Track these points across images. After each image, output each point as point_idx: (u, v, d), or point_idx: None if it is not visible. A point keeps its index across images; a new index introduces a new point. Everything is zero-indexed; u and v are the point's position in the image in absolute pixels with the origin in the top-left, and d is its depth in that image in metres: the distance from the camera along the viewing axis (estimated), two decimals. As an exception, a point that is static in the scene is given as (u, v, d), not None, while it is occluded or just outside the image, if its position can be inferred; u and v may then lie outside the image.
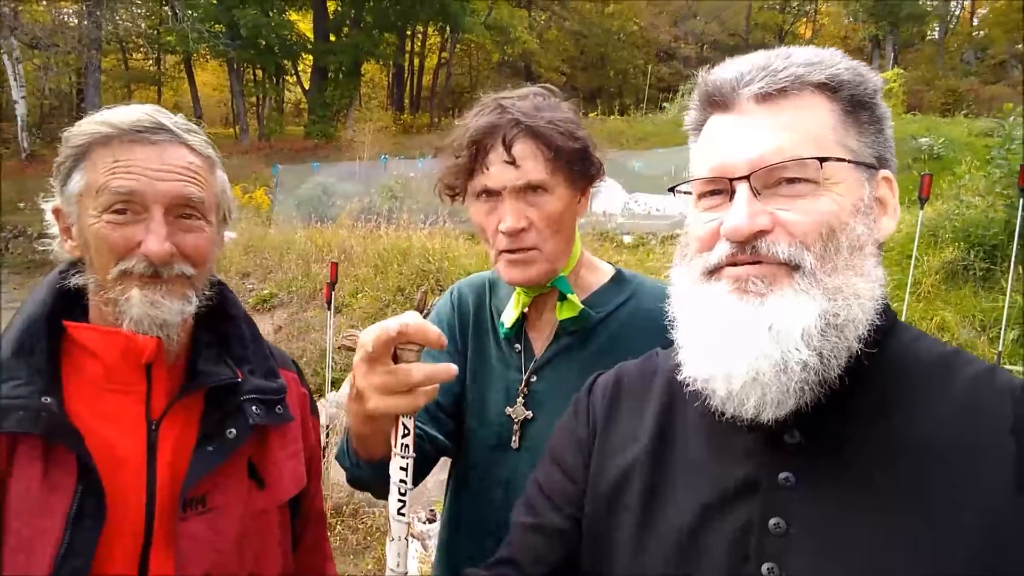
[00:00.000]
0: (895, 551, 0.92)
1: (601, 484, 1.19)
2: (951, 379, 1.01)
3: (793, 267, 0.99)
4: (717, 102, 1.09)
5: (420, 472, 1.81)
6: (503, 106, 1.65)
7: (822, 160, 0.98)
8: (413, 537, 5.08)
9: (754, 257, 1.00)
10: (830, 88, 1.03)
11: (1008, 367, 6.12)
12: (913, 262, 7.12)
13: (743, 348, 0.98)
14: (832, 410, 1.01)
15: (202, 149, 1.37)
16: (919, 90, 26.88)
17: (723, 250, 1.02)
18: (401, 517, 1.20)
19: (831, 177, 1.00)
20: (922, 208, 6.77)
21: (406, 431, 1.19)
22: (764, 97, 1.03)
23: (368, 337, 1.09)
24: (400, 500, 1.20)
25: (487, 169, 1.61)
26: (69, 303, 1.38)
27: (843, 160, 1.00)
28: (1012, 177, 8.48)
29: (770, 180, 1.00)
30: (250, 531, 1.38)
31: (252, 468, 1.42)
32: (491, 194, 1.63)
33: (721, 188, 1.05)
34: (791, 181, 1.00)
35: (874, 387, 1.02)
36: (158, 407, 1.33)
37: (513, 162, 1.59)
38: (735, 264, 1.02)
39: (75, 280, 1.36)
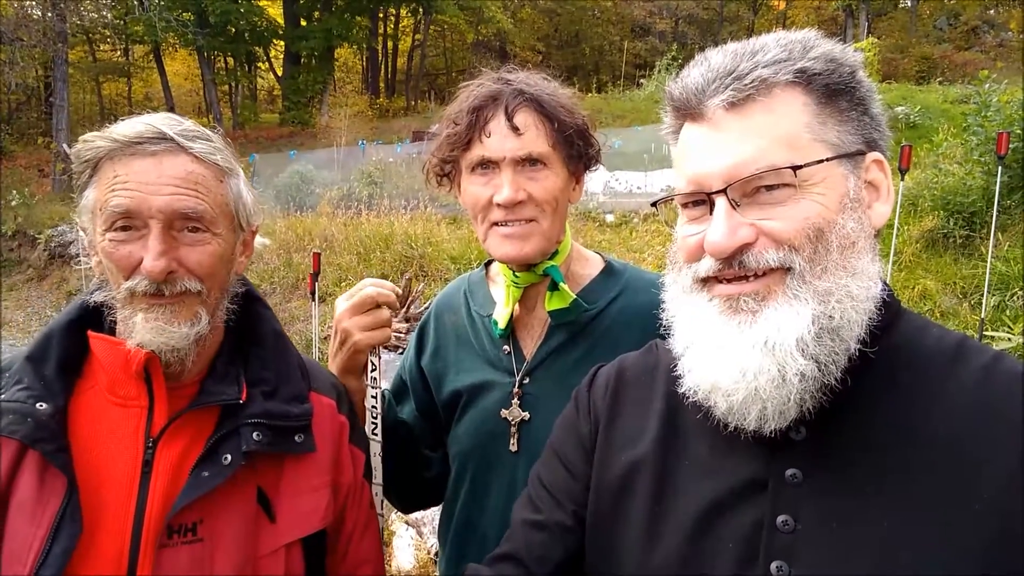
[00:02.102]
0: (906, 545, 0.91)
1: (606, 479, 1.18)
2: (958, 370, 0.99)
3: (785, 269, 0.97)
4: (687, 112, 1.06)
5: (417, 486, 1.87)
6: (506, 78, 1.62)
7: (795, 168, 0.96)
8: (408, 524, 5.09)
9: (742, 272, 0.99)
10: (802, 82, 1.00)
11: (991, 333, 6.20)
12: (895, 231, 7.17)
13: (740, 367, 0.98)
14: (837, 405, 0.99)
15: (206, 157, 1.29)
16: (893, 58, 26.99)
17: (709, 264, 1.01)
18: (375, 436, 1.62)
19: (810, 178, 0.97)
20: (902, 179, 6.81)
21: (374, 367, 1.62)
22: (733, 104, 1.00)
23: (362, 294, 1.59)
24: (373, 422, 1.62)
25: (487, 137, 1.57)
26: (100, 317, 1.34)
27: (820, 161, 0.97)
28: (989, 144, 8.56)
29: (748, 189, 0.98)
30: (250, 570, 1.28)
31: (265, 500, 1.32)
32: (487, 165, 1.59)
33: (701, 199, 1.03)
34: (770, 188, 0.98)
35: (878, 381, 1.00)
36: (159, 424, 1.28)
37: (515, 130, 1.55)
38: (723, 280, 1.01)
39: (96, 297, 1.32)
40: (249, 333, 1.42)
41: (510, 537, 1.26)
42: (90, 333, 1.31)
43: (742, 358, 0.97)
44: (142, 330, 1.24)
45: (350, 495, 1.45)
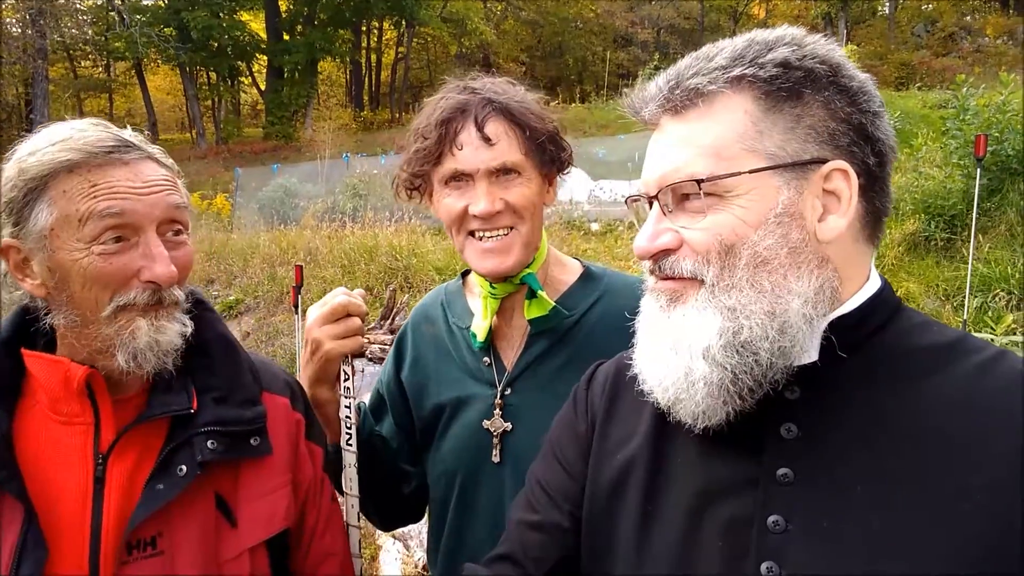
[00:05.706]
0: (897, 545, 0.89)
1: (601, 479, 1.16)
2: (954, 367, 0.97)
3: (700, 281, 0.98)
4: (643, 120, 1.07)
5: (401, 506, 1.85)
6: (472, 87, 1.59)
7: (699, 182, 0.95)
8: (395, 539, 5.03)
9: (663, 275, 1.02)
10: (743, 88, 0.97)
11: (973, 334, 6.24)
12: (876, 236, 7.22)
13: (658, 362, 1.02)
14: (828, 403, 0.98)
15: (164, 160, 1.28)
16: (873, 65, 27.26)
17: (646, 264, 1.05)
18: (350, 447, 1.58)
19: (734, 189, 0.95)
20: (883, 182, 6.88)
21: (347, 376, 1.59)
22: (676, 110, 1.00)
23: (332, 303, 1.57)
24: (347, 432, 1.59)
25: (458, 150, 1.53)
26: (34, 334, 1.28)
27: (734, 175, 0.95)
28: (968, 147, 8.67)
29: (677, 196, 0.99)
30: None
31: (224, 505, 1.30)
32: (460, 178, 1.55)
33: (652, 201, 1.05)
34: (690, 197, 0.98)
35: (872, 378, 0.98)
36: (107, 440, 1.24)
37: (487, 141, 1.52)
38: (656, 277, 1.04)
39: (48, 320, 1.25)
40: (195, 338, 1.34)
41: (507, 537, 1.24)
42: (25, 352, 1.25)
43: (659, 354, 1.02)
44: (145, 333, 1.21)
45: (310, 491, 1.43)
